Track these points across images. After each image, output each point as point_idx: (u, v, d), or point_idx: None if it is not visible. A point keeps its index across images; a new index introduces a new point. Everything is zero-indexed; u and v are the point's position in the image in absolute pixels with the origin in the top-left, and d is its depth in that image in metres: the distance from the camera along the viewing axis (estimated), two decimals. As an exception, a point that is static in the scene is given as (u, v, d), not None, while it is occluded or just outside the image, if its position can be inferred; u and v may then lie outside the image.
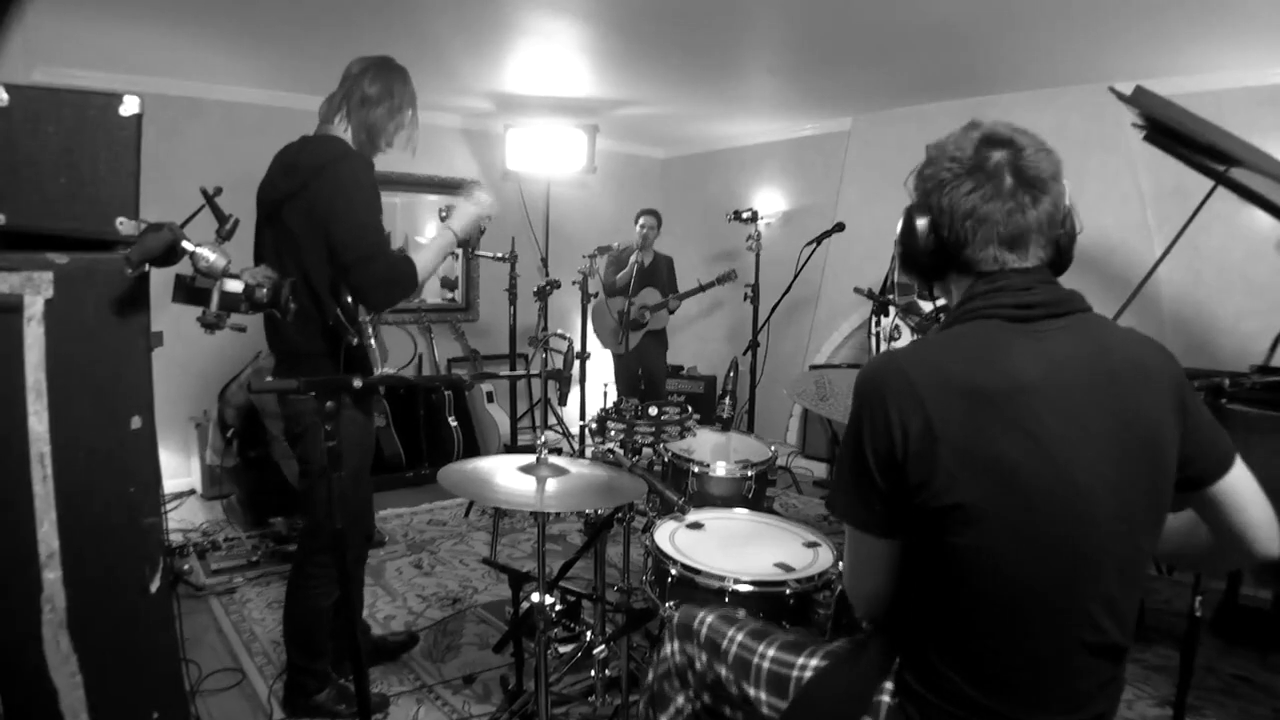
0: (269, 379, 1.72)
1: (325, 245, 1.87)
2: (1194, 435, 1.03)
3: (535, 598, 1.80)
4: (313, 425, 1.99)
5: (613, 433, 2.19)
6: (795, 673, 1.22)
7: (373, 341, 1.96)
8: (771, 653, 1.27)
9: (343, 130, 2.01)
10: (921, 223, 1.09)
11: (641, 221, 4.83)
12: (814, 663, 1.22)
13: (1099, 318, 1.07)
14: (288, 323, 1.61)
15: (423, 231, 5.15)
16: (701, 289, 4.77)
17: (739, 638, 1.32)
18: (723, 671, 1.32)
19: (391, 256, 1.92)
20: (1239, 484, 1.06)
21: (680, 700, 1.41)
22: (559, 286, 4.50)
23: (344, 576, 1.55)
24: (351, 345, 1.85)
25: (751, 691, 1.26)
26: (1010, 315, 1.01)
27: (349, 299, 1.87)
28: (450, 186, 5.12)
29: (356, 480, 2.02)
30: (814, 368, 4.85)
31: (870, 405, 1.01)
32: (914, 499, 0.98)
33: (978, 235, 1.04)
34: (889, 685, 1.09)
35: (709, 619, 1.39)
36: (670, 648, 1.43)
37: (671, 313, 4.92)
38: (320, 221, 1.87)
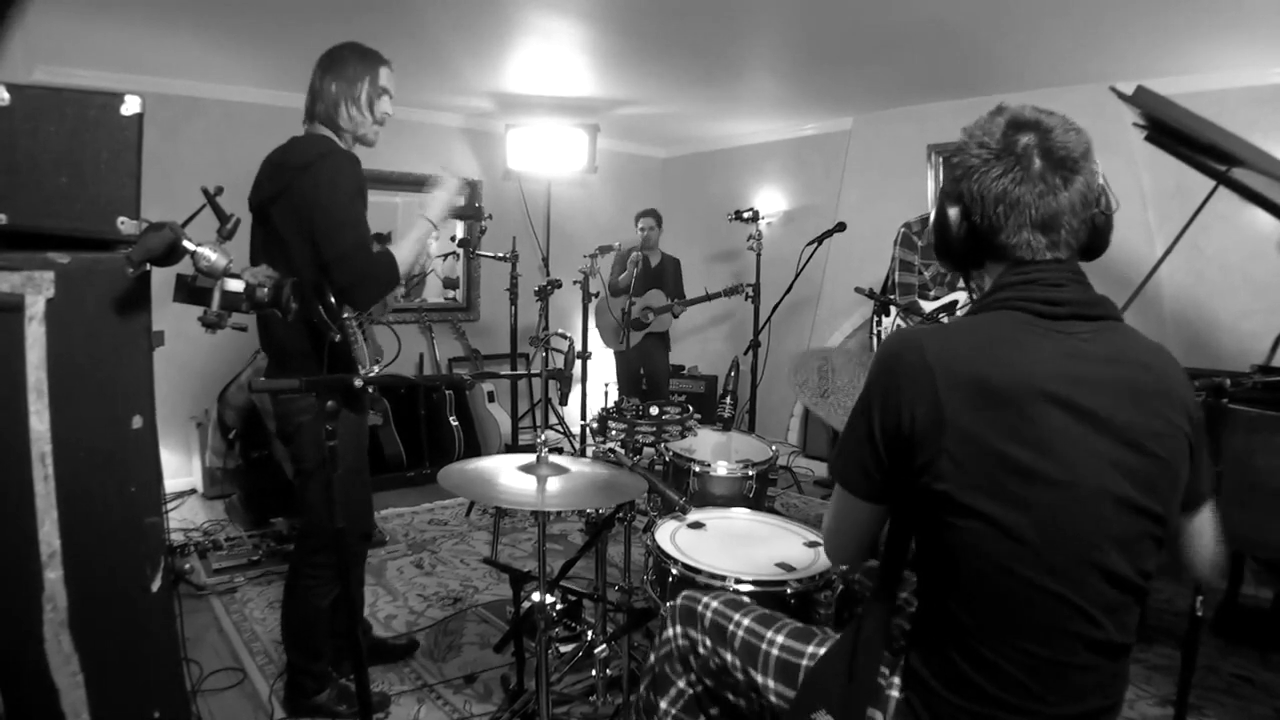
0: (261, 378, 1.71)
1: (310, 244, 1.88)
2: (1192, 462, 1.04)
3: (536, 597, 1.80)
4: (304, 424, 1.98)
5: (614, 432, 2.19)
6: (805, 661, 1.23)
7: (360, 340, 1.96)
8: (781, 639, 1.27)
9: (324, 129, 2.02)
10: (953, 211, 1.08)
11: (641, 223, 4.83)
12: (822, 651, 1.23)
13: (1129, 329, 1.06)
14: (276, 321, 1.61)
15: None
16: (708, 298, 4.74)
17: (746, 622, 1.32)
18: (728, 657, 1.31)
19: (371, 253, 1.91)
20: (1204, 524, 1.12)
21: (681, 684, 1.41)
22: (560, 286, 4.50)
23: (344, 575, 1.55)
24: (335, 342, 1.84)
25: (759, 678, 1.26)
26: (1038, 310, 1.01)
27: (332, 297, 1.87)
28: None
29: (351, 479, 2.02)
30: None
31: (885, 380, 1.03)
32: (917, 479, 0.99)
33: (1010, 220, 1.03)
34: (896, 680, 1.10)
35: (714, 604, 1.39)
36: (672, 630, 1.43)
37: (676, 317, 4.91)
38: (304, 220, 1.87)
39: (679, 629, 1.42)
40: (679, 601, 1.45)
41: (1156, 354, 1.04)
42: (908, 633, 1.12)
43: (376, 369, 2.01)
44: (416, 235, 2.03)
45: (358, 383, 1.48)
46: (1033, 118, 1.03)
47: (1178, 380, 1.03)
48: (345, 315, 1.88)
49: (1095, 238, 1.08)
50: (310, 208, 1.86)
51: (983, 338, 1.02)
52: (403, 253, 1.97)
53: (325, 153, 1.92)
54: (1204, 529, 1.11)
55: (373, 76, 2.03)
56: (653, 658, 1.48)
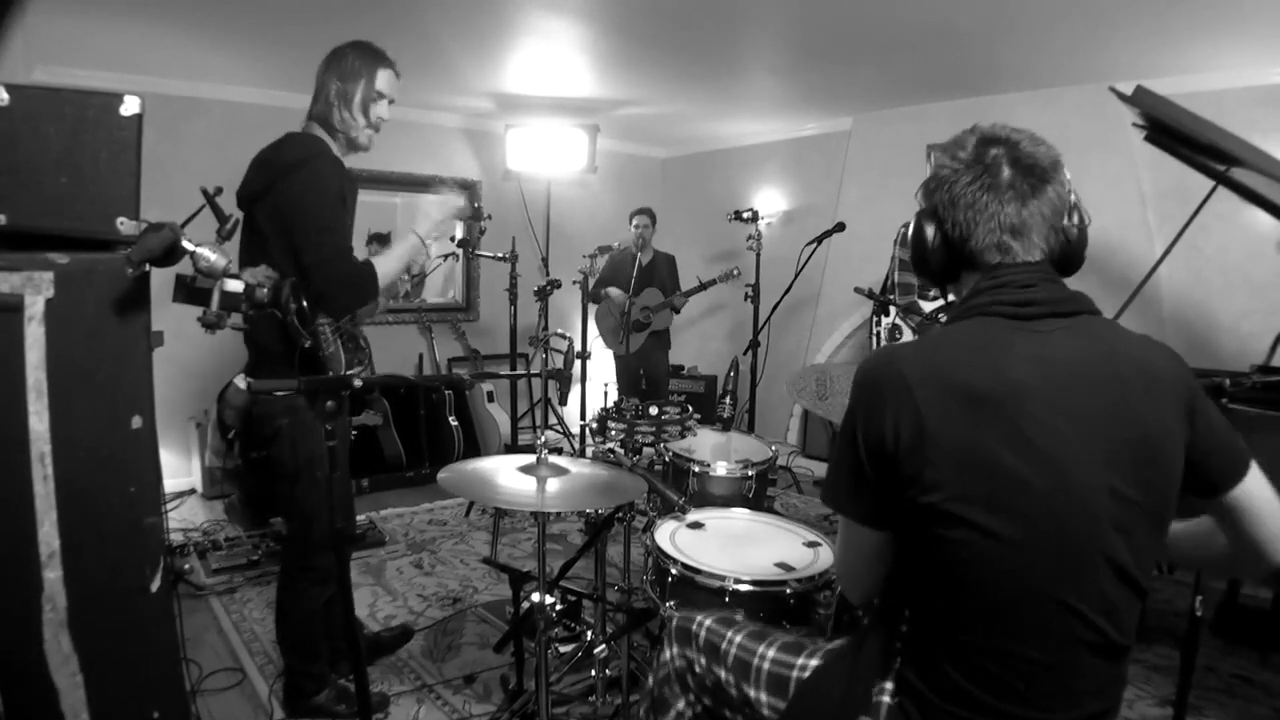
0: (240, 377, 1.67)
1: (289, 246, 1.85)
2: (1206, 441, 1.02)
3: (536, 597, 1.80)
4: (282, 427, 1.95)
5: (613, 432, 2.19)
6: (795, 673, 1.23)
7: (337, 346, 1.91)
8: (771, 653, 1.27)
9: (319, 129, 2.00)
10: (928, 223, 1.11)
11: (636, 221, 4.79)
12: (814, 663, 1.22)
13: (1106, 321, 1.06)
14: (260, 322, 1.58)
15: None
16: (703, 287, 4.74)
17: (738, 639, 1.33)
18: (722, 674, 1.32)
19: (351, 262, 1.88)
20: (1255, 493, 1.04)
21: (681, 704, 1.41)
22: (559, 286, 4.50)
23: (342, 577, 1.55)
24: (304, 348, 1.81)
25: (752, 693, 1.26)
26: (1011, 313, 1.02)
27: (305, 303, 1.84)
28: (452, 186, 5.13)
29: (317, 484, 1.98)
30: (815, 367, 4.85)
31: (865, 400, 1.03)
32: (905, 492, 0.99)
33: (980, 225, 1.05)
34: (889, 685, 1.09)
35: (707, 622, 1.39)
36: (669, 652, 1.43)
37: (677, 312, 4.89)
38: (285, 222, 1.85)
39: (675, 649, 1.42)
40: (674, 623, 1.46)
41: (1139, 344, 1.04)
42: (902, 635, 1.12)
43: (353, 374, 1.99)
44: (402, 251, 1.99)
45: (358, 383, 1.48)
46: (1002, 134, 1.06)
47: (1165, 367, 1.02)
48: (321, 321, 1.85)
49: (1069, 250, 1.10)
50: (291, 211, 1.84)
51: (958, 346, 1.03)
52: (385, 266, 1.94)
53: (312, 155, 1.90)
54: (1254, 497, 1.03)
55: (370, 78, 1.99)
56: (650, 680, 1.48)
